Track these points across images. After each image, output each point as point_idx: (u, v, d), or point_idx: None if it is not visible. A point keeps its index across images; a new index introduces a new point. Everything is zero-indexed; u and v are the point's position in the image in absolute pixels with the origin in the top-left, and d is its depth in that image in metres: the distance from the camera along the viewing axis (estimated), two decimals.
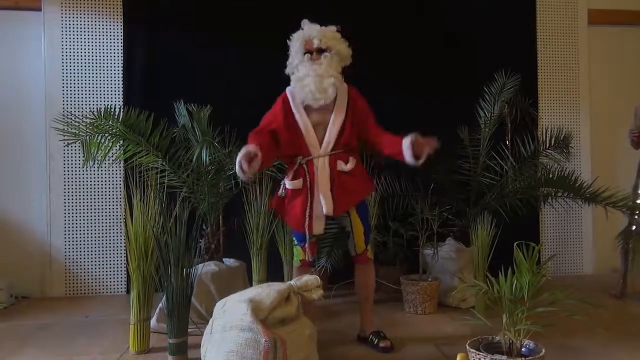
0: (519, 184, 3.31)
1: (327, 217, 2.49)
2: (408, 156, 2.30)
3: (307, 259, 2.49)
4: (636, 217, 3.36)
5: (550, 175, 3.31)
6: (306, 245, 2.44)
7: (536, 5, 4.18)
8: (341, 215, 2.51)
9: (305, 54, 2.47)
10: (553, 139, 3.51)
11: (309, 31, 2.49)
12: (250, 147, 2.21)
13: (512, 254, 1.99)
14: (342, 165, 2.45)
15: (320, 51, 2.44)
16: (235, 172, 3.15)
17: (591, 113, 4.24)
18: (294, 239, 2.55)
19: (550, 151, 3.52)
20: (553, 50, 4.21)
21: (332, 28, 2.52)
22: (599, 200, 3.16)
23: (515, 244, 2.02)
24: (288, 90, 2.53)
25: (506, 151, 3.53)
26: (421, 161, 2.30)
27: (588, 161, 4.22)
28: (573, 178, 3.23)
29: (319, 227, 2.45)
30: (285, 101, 2.51)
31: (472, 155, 3.44)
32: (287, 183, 2.48)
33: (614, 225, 3.49)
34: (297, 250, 2.53)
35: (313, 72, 2.39)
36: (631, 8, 4.28)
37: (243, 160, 2.17)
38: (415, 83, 3.86)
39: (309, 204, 2.42)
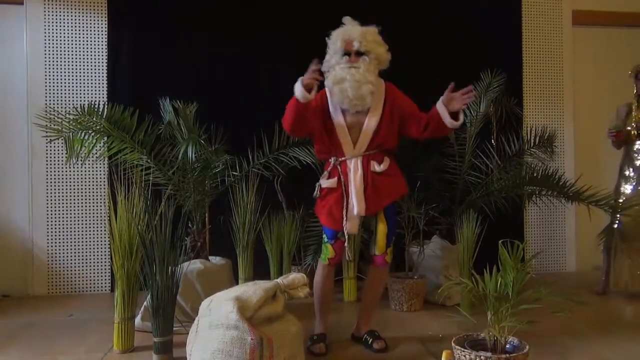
0: (504, 182, 3.34)
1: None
2: (447, 120, 2.32)
3: (347, 257, 2.45)
4: (618, 215, 3.41)
5: (535, 174, 3.35)
6: (345, 245, 2.39)
7: (521, 5, 4.22)
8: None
9: (343, 55, 2.37)
10: (537, 138, 3.56)
11: (350, 31, 2.39)
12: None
13: (497, 252, 2.01)
14: (375, 166, 2.43)
15: (359, 54, 2.37)
16: (221, 170, 3.17)
17: (575, 113, 4.29)
18: (324, 236, 2.47)
19: (534, 150, 3.57)
20: (538, 51, 4.25)
21: (374, 30, 2.44)
22: (581, 199, 3.21)
23: (500, 241, 2.03)
24: (327, 88, 2.46)
25: (491, 150, 3.56)
26: (460, 120, 2.33)
27: (572, 160, 4.27)
28: (557, 177, 3.27)
29: (353, 227, 2.41)
30: (324, 98, 2.45)
31: (458, 154, 3.46)
32: (323, 182, 2.46)
33: (596, 223, 3.54)
34: (326, 247, 2.45)
35: (351, 77, 2.32)
36: (615, 9, 4.34)
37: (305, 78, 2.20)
38: (401, 82, 3.86)
39: (344, 204, 2.39)
